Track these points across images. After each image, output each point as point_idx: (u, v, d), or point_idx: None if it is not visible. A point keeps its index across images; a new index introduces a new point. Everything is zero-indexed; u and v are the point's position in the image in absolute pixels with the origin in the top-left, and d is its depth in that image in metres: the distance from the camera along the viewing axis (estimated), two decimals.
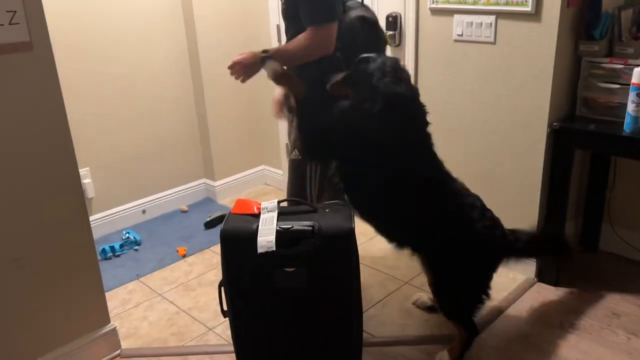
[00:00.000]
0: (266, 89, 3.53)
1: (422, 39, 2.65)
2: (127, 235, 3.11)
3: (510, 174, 2.51)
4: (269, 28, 3.37)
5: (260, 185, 3.87)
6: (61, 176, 1.91)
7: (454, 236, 1.87)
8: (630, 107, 2.14)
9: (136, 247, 3.06)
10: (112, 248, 2.95)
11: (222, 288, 1.80)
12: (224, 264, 1.76)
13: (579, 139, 2.34)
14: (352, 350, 1.85)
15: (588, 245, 2.79)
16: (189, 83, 3.44)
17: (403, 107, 1.83)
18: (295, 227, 1.69)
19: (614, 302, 2.37)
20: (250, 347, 1.87)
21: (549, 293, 2.46)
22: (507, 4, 2.31)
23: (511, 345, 2.13)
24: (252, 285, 1.76)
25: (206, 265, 2.85)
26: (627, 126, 2.17)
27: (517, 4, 2.28)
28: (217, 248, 3.06)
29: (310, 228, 1.69)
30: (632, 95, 2.13)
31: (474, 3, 2.41)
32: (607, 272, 2.63)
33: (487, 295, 1.96)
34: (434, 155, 1.92)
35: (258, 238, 1.67)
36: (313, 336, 1.82)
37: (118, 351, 2.20)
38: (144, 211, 3.39)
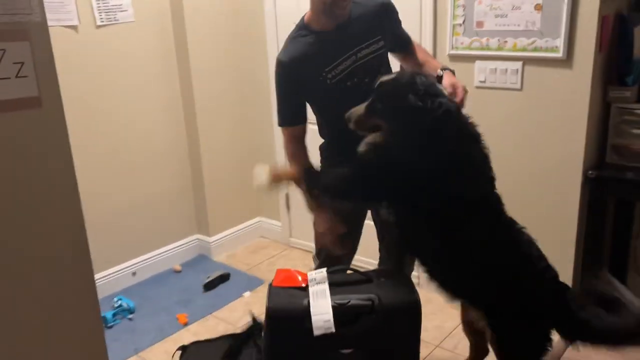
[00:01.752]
0: (261, 136, 3.39)
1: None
2: (119, 302, 2.81)
3: (545, 224, 2.38)
4: (268, 77, 3.21)
5: (257, 239, 3.63)
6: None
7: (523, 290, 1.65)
8: None
9: (130, 316, 2.76)
10: (105, 318, 2.64)
11: None
12: (268, 346, 1.53)
13: (615, 188, 2.26)
14: None
15: None
16: (183, 134, 3.23)
17: (455, 123, 1.57)
18: (353, 302, 1.49)
19: None
20: None
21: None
22: (535, 50, 2.23)
23: None
24: None
25: (211, 334, 2.57)
26: None
27: (547, 50, 2.20)
28: (220, 313, 2.85)
29: (370, 302, 1.49)
30: None
31: (499, 49, 2.33)
32: None
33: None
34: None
35: (312, 317, 1.45)
36: None
37: None
38: (134, 273, 3.09)
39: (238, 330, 2.51)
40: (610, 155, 2.32)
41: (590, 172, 2.24)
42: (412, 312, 1.49)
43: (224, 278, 3.07)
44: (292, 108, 1.89)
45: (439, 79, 1.83)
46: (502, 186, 2.45)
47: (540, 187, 2.37)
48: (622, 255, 2.64)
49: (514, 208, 2.44)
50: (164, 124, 3.13)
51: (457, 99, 1.75)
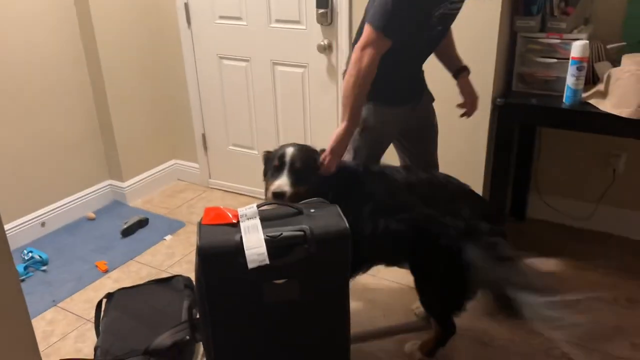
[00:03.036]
0: (173, 74, 3.23)
1: (357, 15, 2.52)
2: (29, 254, 2.65)
3: (457, 150, 2.51)
4: (175, 2, 3.03)
5: (174, 182, 3.52)
6: None
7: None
8: (570, 81, 2.21)
9: (43, 268, 2.62)
10: None
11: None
12: (203, 284, 1.51)
13: (521, 114, 2.39)
14: (344, 354, 1.72)
15: (517, 215, 2.91)
16: (84, 70, 2.99)
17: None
18: (286, 234, 1.50)
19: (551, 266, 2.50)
20: None
21: None
22: None
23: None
24: (238, 304, 1.54)
25: (134, 280, 2.51)
26: (567, 99, 2.24)
27: None
28: (142, 258, 2.78)
29: (302, 233, 1.50)
30: (571, 69, 2.20)
31: None
32: (539, 238, 2.76)
33: (468, 296, 1.86)
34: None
35: (246, 251, 1.45)
36: (304, 348, 1.65)
37: None
38: (43, 224, 2.91)
39: (164, 274, 2.47)
40: (516, 84, 2.45)
41: (498, 100, 2.35)
42: (342, 239, 1.52)
43: (142, 223, 2.97)
44: (403, 21, 1.78)
45: (456, 75, 2.18)
46: None
47: (453, 115, 2.47)
48: (525, 177, 2.85)
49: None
50: (62, 60, 2.87)
51: (466, 113, 2.23)
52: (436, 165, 2.29)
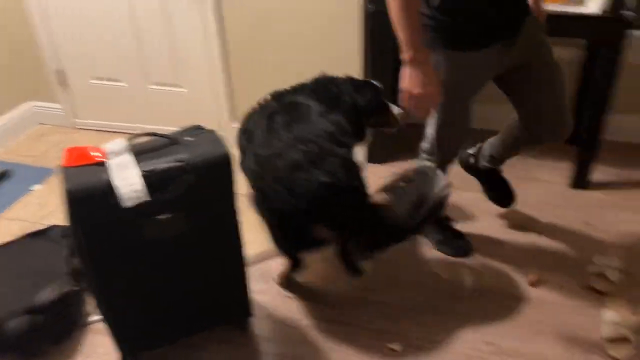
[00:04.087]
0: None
1: None
2: None
3: (330, 61, 2.49)
4: None
5: (35, 126, 3.18)
6: None
7: None
8: None
9: None
10: None
11: None
12: (77, 231, 1.40)
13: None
14: (243, 285, 1.71)
15: None
16: None
17: None
18: (162, 166, 1.41)
19: None
20: (126, 315, 1.59)
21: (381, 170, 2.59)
22: None
23: None
24: (120, 246, 1.45)
25: (4, 237, 2.28)
26: None
27: None
28: (10, 213, 2.53)
29: (181, 163, 1.42)
30: None
31: None
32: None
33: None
34: None
35: (121, 190, 1.35)
36: (198, 280, 1.62)
37: None
38: None
39: (39, 227, 2.28)
40: None
41: (369, 6, 2.33)
42: (223, 165, 1.46)
43: (3, 175, 2.68)
44: None
45: None
46: (292, 31, 2.47)
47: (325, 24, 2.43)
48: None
49: (307, 48, 2.52)
50: None
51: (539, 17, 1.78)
52: (565, 123, 1.85)
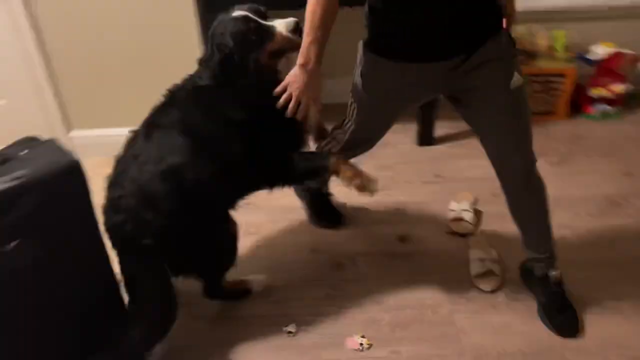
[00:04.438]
0: None
1: None
2: None
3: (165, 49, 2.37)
4: None
5: None
6: None
7: None
8: None
9: None
10: None
11: None
12: None
13: None
14: (119, 300, 1.56)
15: None
16: None
17: None
18: None
19: None
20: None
21: None
22: None
23: None
24: None
25: None
26: None
27: None
28: None
29: (20, 181, 1.24)
30: None
31: None
32: None
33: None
34: None
35: None
36: (69, 303, 1.44)
37: None
38: None
39: None
40: None
41: None
42: (72, 174, 1.30)
43: None
44: None
45: None
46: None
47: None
48: None
49: (138, 50, 2.36)
50: None
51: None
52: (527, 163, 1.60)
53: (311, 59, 1.42)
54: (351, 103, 1.70)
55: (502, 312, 1.73)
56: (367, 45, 1.53)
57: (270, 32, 1.47)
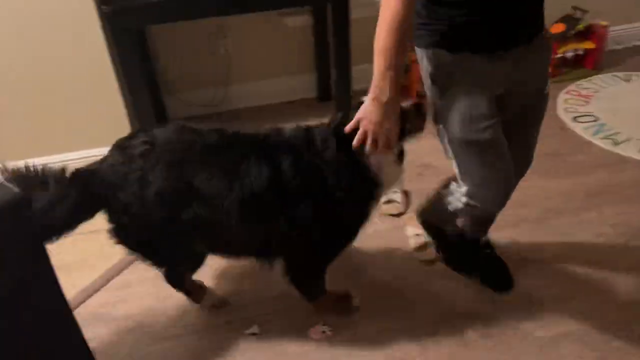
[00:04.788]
0: None
1: None
2: None
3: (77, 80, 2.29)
4: None
5: None
6: None
7: None
8: None
9: None
10: None
11: None
12: None
13: (131, 16, 2.26)
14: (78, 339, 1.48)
15: (159, 120, 2.87)
16: None
17: None
18: None
19: None
20: None
21: None
22: None
23: None
24: None
25: None
26: None
27: None
28: None
29: None
30: None
31: None
32: None
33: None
34: None
35: None
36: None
37: None
38: None
39: None
40: None
41: (103, 7, 2.17)
42: (13, 210, 1.22)
43: None
44: None
45: None
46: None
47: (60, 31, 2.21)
48: (153, 81, 2.80)
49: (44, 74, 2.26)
50: None
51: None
52: (529, 164, 1.64)
53: (387, 90, 1.25)
54: (449, 151, 1.47)
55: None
56: (442, 46, 1.33)
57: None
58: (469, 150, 1.42)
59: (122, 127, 2.48)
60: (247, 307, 1.82)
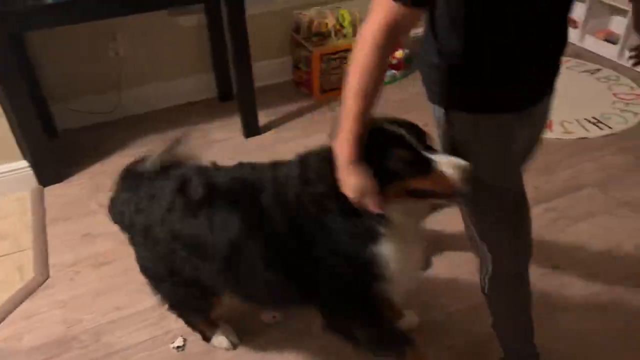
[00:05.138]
0: None
1: None
2: None
3: None
4: None
5: None
6: None
7: None
8: None
9: None
10: None
11: None
12: None
13: (11, 22, 2.08)
14: None
15: (49, 131, 2.66)
16: None
17: None
18: None
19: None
20: None
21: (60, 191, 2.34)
22: None
23: None
24: None
25: None
26: None
27: None
28: None
29: None
30: None
31: None
32: (78, 145, 2.69)
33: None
34: None
35: None
36: None
37: None
38: None
39: None
40: None
41: None
42: None
43: None
44: None
45: None
46: None
47: None
48: (36, 89, 2.59)
49: None
50: None
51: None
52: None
53: (353, 151, 1.05)
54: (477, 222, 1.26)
55: None
56: (464, 109, 1.11)
57: (428, 165, 1.10)
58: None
59: (7, 143, 2.28)
60: (166, 320, 1.75)
